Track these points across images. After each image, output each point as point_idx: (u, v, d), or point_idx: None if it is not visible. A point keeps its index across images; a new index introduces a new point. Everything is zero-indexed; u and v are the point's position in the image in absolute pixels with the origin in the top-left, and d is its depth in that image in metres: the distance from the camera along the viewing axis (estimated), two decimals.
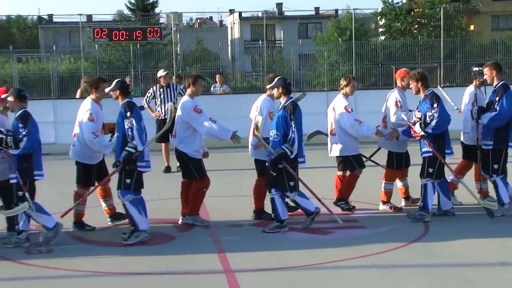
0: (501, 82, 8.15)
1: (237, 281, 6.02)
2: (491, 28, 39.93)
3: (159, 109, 12.70)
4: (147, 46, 26.85)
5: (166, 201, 9.38)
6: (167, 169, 12.51)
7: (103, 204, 8.31)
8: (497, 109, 8.00)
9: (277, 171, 7.50)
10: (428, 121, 7.91)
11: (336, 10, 41.83)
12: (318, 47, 32.90)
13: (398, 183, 8.77)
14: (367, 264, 6.47)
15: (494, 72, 8.18)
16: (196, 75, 8.46)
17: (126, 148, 7.28)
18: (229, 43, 42.64)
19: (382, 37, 36.98)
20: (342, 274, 6.23)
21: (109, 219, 8.35)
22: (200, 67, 29.00)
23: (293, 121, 7.48)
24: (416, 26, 36.87)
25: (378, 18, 38.25)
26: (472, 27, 37.43)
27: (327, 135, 8.70)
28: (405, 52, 28.94)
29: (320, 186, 8.54)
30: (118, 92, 7.59)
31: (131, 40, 22.77)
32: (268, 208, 8.08)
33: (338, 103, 8.46)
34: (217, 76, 18.58)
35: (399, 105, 8.43)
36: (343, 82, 8.54)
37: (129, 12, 41.79)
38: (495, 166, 8.12)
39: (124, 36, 22.06)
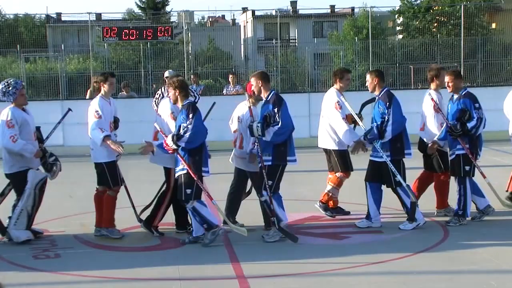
0: (273, 92, 7.52)
1: (250, 287, 5.93)
2: None
3: None
4: (158, 45, 26.57)
5: None
6: None
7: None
8: (279, 121, 7.28)
9: None
10: (182, 134, 7.10)
11: (353, 8, 41.16)
12: (333, 46, 32.62)
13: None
14: (384, 270, 6.33)
15: (260, 83, 7.52)
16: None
17: None
18: (242, 42, 42.15)
19: (400, 36, 36.65)
20: (358, 281, 6.11)
21: (327, 212, 8.42)
22: (212, 67, 28.63)
23: None
24: (435, 24, 36.41)
25: (396, 16, 37.85)
26: (494, 25, 36.74)
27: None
28: (424, 52, 28.64)
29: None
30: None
31: (141, 39, 22.62)
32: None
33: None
34: (230, 76, 18.24)
35: None
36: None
37: (139, 11, 41.39)
38: (270, 183, 7.32)
39: (134, 35, 21.84)
